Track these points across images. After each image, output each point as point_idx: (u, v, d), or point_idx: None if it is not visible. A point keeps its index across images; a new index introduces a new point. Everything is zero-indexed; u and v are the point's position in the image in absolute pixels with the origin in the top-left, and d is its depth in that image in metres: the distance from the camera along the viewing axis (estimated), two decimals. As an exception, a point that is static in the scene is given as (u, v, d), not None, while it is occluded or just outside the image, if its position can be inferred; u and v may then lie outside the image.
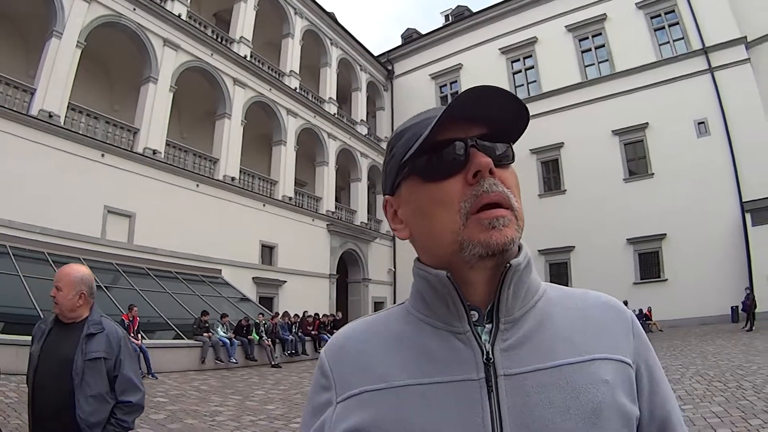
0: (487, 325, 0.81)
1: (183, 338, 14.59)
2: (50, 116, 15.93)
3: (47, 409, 2.80)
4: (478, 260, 0.77)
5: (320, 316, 21.05)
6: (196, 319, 14.96)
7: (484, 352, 0.78)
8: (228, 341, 14.96)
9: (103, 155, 17.22)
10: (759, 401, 6.97)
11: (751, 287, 21.08)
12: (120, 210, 17.46)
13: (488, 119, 0.80)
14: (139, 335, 12.53)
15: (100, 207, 16.86)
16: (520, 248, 0.83)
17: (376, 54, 36.39)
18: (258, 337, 16.20)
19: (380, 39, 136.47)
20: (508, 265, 0.79)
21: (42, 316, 11.48)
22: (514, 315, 0.81)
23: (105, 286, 14.87)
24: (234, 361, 14.92)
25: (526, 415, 0.73)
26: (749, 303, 19.06)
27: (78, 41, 17.18)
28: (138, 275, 16.75)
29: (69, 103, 16.81)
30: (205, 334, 14.50)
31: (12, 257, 13.59)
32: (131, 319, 12.55)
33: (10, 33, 19.26)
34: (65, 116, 16.60)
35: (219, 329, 15.14)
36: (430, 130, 0.77)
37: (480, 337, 0.79)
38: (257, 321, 17.00)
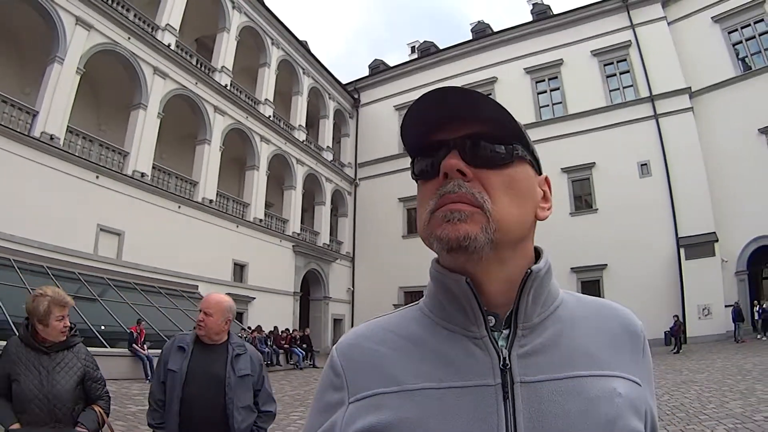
0: (504, 331, 0.81)
1: (175, 349, 15.99)
2: (51, 138, 17.06)
3: (202, 420, 3.18)
4: (447, 254, 0.79)
5: (291, 332, 22.75)
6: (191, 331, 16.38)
7: (501, 358, 0.77)
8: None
9: (97, 177, 18.46)
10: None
11: (683, 315, 23.46)
12: (111, 228, 18.70)
13: (476, 119, 0.80)
14: (145, 345, 13.96)
15: (93, 225, 18.08)
16: (540, 254, 0.86)
17: (344, 82, 37.97)
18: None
19: (349, 60, 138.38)
20: (528, 270, 0.81)
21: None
22: (532, 321, 0.81)
23: (98, 298, 16.27)
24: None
25: (541, 423, 0.73)
26: (677, 328, 21.35)
27: (78, 67, 18.32)
28: (126, 289, 18.04)
29: (67, 125, 17.95)
30: (196, 345, 15.97)
31: (17, 270, 14.79)
32: (139, 331, 14.01)
33: (5, 50, 20.05)
34: (64, 138, 17.73)
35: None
36: (408, 138, 0.84)
37: (497, 343, 0.79)
38: (239, 335, 18.46)
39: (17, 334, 3.16)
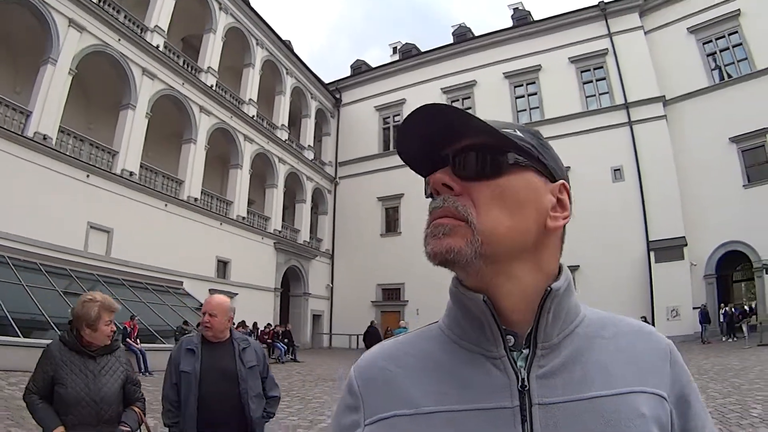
0: (524, 350, 0.79)
1: (164, 342, 16.72)
2: (44, 138, 17.60)
3: (220, 413, 3.43)
4: (447, 269, 0.80)
5: (273, 327, 23.52)
6: (179, 327, 17.29)
7: (520, 379, 0.76)
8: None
9: (88, 176, 19.04)
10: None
11: (653, 316, 24.61)
12: (100, 226, 19.31)
13: (465, 132, 0.80)
14: (137, 340, 14.72)
15: (83, 223, 18.69)
16: (560, 271, 0.83)
17: (325, 77, 38.88)
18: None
19: (330, 54, 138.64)
20: (548, 289, 0.79)
21: (49, 321, 13.67)
22: (552, 341, 0.79)
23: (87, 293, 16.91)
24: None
25: None
26: (643, 330, 22.42)
27: (70, 68, 18.85)
28: (115, 285, 18.63)
29: (60, 126, 18.50)
30: (186, 339, 16.86)
31: (12, 267, 15.39)
32: (132, 326, 14.75)
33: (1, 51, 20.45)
34: (56, 138, 18.28)
35: (195, 338, 17.36)
36: (409, 157, 0.84)
37: (515, 363, 0.77)
38: (228, 330, 19.32)
39: (59, 336, 3.26)
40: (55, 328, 13.96)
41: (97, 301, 3.16)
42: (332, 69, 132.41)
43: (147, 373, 14.21)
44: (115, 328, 3.29)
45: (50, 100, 18.05)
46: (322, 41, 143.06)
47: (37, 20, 18.22)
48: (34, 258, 16.49)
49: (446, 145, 0.81)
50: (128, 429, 3.17)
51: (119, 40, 20.89)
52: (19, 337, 12.80)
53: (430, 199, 0.83)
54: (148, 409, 3.57)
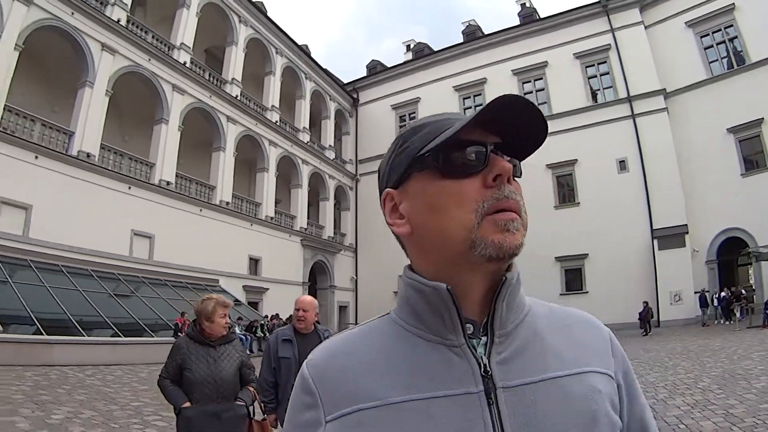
0: (482, 338, 0.80)
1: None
2: (88, 156, 19.48)
3: None
4: (486, 262, 0.76)
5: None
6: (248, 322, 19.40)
7: (481, 365, 0.77)
8: (244, 337, 19.26)
9: (129, 188, 20.94)
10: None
11: (657, 300, 25.81)
12: (143, 232, 21.23)
13: (507, 131, 0.80)
14: (188, 335, 16.55)
15: (127, 230, 20.62)
16: (512, 264, 0.84)
17: (341, 74, 40.87)
18: (262, 334, 20.22)
19: (345, 48, 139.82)
20: (504, 278, 0.80)
21: (106, 320, 15.46)
22: (507, 328, 0.81)
23: (135, 293, 18.97)
24: (250, 352, 18.95)
25: (528, 426, 0.73)
26: (645, 313, 23.55)
27: (107, 89, 20.66)
28: (158, 285, 20.64)
29: (101, 143, 20.30)
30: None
31: (67, 274, 17.27)
32: (183, 322, 16.56)
33: (36, 73, 21.68)
34: (98, 155, 20.10)
35: (236, 328, 19.12)
36: (461, 127, 0.76)
37: (475, 350, 0.78)
38: (262, 322, 21.16)
39: (184, 332, 4.00)
40: (111, 326, 15.85)
41: (213, 298, 3.86)
42: (347, 60, 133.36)
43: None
44: (229, 321, 3.92)
45: (90, 120, 19.84)
46: (335, 35, 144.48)
47: (71, 45, 19.91)
48: (85, 265, 18.39)
49: (521, 145, 0.83)
50: (243, 403, 3.83)
51: (149, 59, 22.66)
52: (83, 336, 14.61)
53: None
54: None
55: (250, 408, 3.94)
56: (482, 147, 0.78)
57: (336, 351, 0.84)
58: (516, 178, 0.82)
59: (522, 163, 0.87)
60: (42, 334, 13.64)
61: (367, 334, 0.86)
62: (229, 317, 4.02)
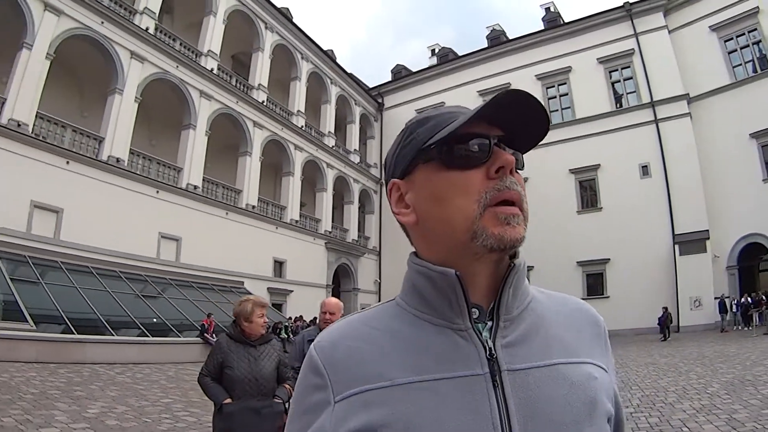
0: (488, 323, 0.82)
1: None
2: (118, 161, 20.06)
3: None
4: (487, 252, 0.79)
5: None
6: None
7: (487, 348, 0.79)
8: (268, 338, 19.63)
9: (157, 191, 21.51)
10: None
11: (677, 306, 25.62)
12: (170, 235, 21.75)
13: (510, 125, 0.82)
14: (214, 335, 16.92)
15: (155, 233, 21.15)
16: (517, 252, 0.86)
17: (369, 86, 40.94)
18: (287, 335, 20.63)
19: (370, 49, 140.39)
20: (512, 264, 0.83)
21: (134, 320, 15.97)
22: (513, 314, 0.83)
23: (162, 294, 19.51)
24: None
25: (531, 408, 0.75)
26: (664, 318, 23.42)
27: (136, 96, 21.25)
28: (185, 286, 21.10)
29: (130, 148, 20.87)
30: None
31: (97, 276, 17.83)
32: (209, 323, 17.04)
33: (66, 80, 22.16)
34: (128, 160, 20.67)
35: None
36: (466, 120, 0.79)
37: (481, 334, 0.81)
38: (286, 324, 21.59)
39: (226, 332, 4.15)
40: (139, 325, 16.36)
41: (250, 300, 4.06)
42: (372, 61, 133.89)
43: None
44: (267, 320, 4.08)
45: (120, 126, 20.40)
46: (361, 35, 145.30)
47: (101, 53, 20.48)
48: (114, 266, 18.93)
49: (524, 138, 0.86)
50: (281, 401, 3.97)
51: (177, 66, 23.21)
52: (112, 335, 15.11)
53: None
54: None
55: (287, 404, 3.98)
56: (485, 140, 0.81)
57: (344, 333, 0.86)
58: (518, 171, 0.86)
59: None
60: (72, 332, 14.13)
61: (374, 318, 0.88)
62: (267, 317, 4.23)
